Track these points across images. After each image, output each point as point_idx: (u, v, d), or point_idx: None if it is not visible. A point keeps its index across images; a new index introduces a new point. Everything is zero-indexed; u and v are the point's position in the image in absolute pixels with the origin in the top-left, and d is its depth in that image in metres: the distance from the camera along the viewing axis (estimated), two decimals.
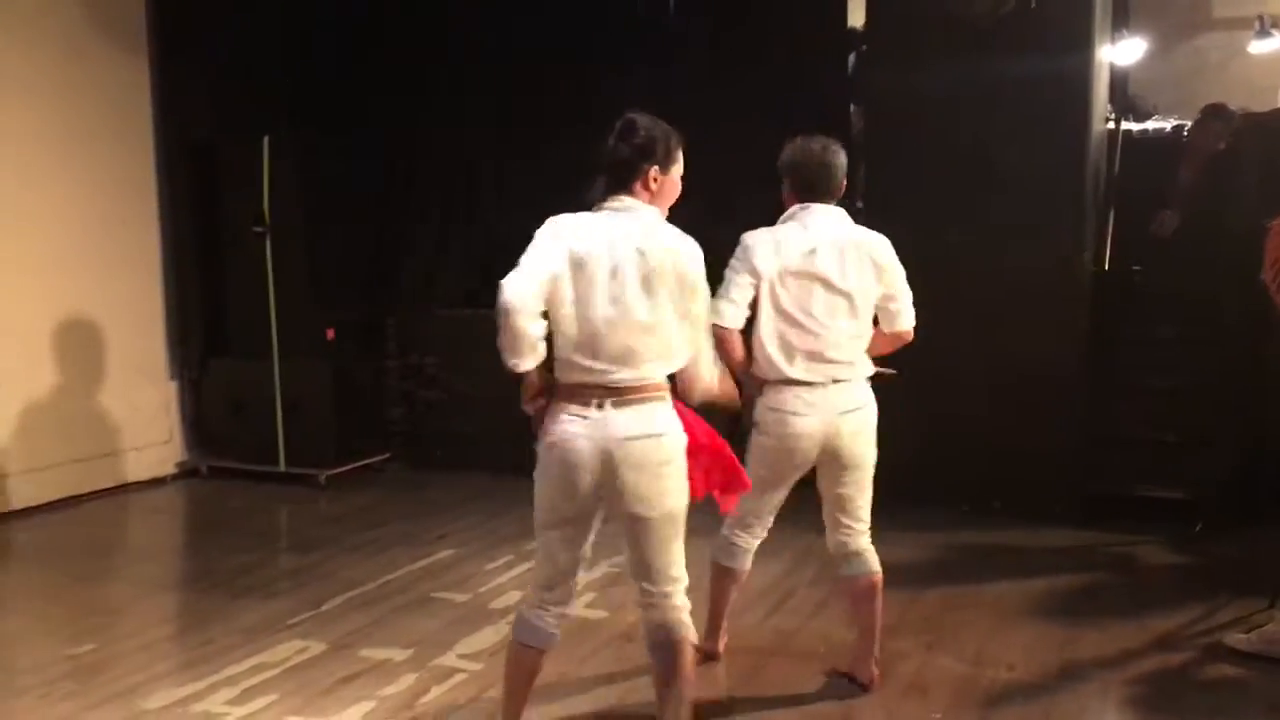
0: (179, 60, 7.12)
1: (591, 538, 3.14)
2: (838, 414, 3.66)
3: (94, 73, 6.69)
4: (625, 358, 2.95)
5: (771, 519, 3.95)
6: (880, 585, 3.84)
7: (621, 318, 2.94)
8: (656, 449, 2.99)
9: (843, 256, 3.64)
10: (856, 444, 3.70)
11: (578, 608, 4.23)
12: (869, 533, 3.84)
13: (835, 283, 3.62)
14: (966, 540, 5.70)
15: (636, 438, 2.96)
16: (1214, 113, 6.60)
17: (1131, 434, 6.12)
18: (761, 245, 3.65)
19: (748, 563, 4.00)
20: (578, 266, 2.93)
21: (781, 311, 3.64)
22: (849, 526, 3.80)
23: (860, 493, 3.78)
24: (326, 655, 4.24)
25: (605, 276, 2.94)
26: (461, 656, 4.22)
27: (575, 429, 2.97)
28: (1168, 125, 7.49)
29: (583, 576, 3.33)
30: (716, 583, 4.02)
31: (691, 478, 3.10)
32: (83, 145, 6.65)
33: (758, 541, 3.98)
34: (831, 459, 3.72)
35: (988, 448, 5.98)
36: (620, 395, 2.96)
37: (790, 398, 3.65)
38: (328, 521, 6.29)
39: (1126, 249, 6.64)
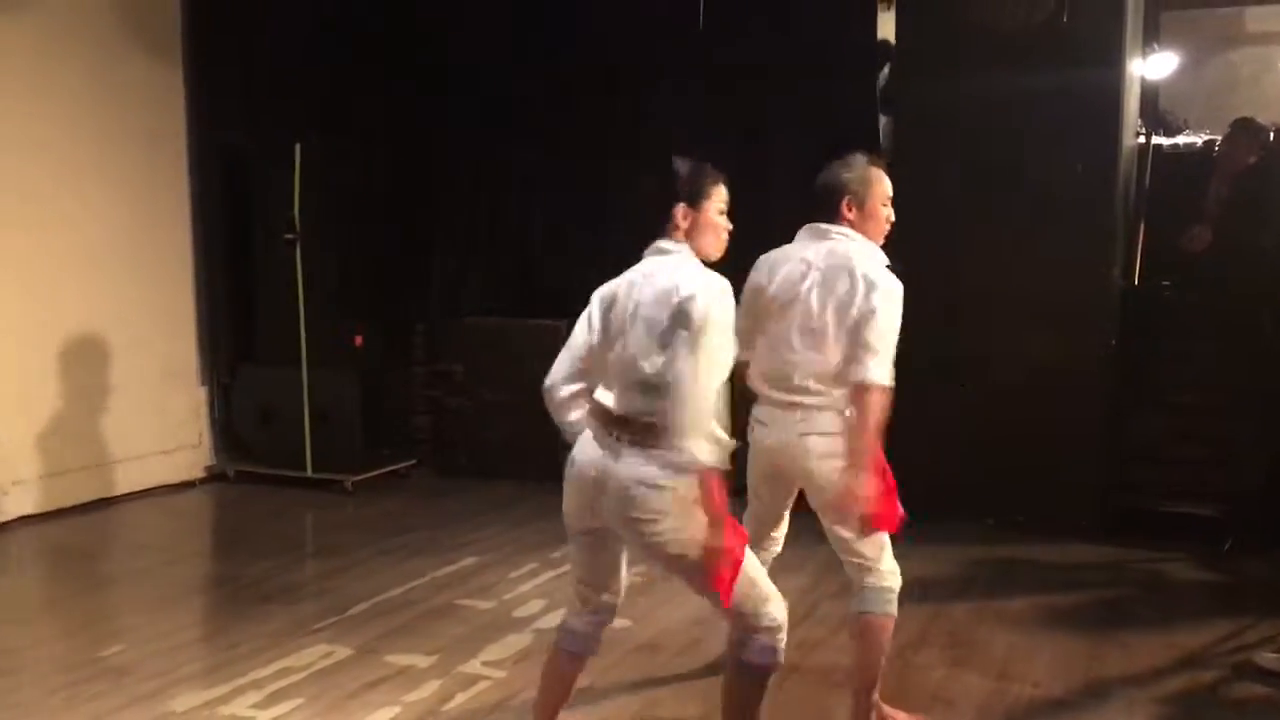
0: (212, 66, 7.18)
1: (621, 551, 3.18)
2: (798, 435, 3.51)
3: (128, 78, 6.75)
4: (631, 398, 2.93)
5: (775, 534, 3.91)
6: (876, 627, 3.51)
7: (622, 357, 2.96)
8: (657, 498, 2.91)
9: (825, 285, 3.47)
10: (824, 466, 3.46)
11: None
12: (877, 569, 3.50)
13: (814, 313, 3.48)
14: (991, 554, 5.67)
15: (636, 483, 2.91)
16: (1244, 127, 6.57)
17: (1160, 449, 6.08)
18: (757, 268, 3.67)
19: None
20: (604, 325, 3.04)
21: (765, 331, 3.60)
22: (847, 560, 3.58)
23: (850, 528, 3.47)
24: (352, 660, 4.26)
25: (617, 325, 3.00)
26: (486, 664, 4.24)
27: (587, 457, 3.01)
28: (1199, 140, 7.46)
29: None
30: None
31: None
32: (116, 149, 6.71)
33: (766, 555, 3.89)
34: (806, 484, 3.58)
35: (1013, 461, 5.96)
36: (633, 437, 2.93)
37: (763, 410, 3.64)
38: (353, 527, 6.33)
39: (1157, 264, 6.61)
